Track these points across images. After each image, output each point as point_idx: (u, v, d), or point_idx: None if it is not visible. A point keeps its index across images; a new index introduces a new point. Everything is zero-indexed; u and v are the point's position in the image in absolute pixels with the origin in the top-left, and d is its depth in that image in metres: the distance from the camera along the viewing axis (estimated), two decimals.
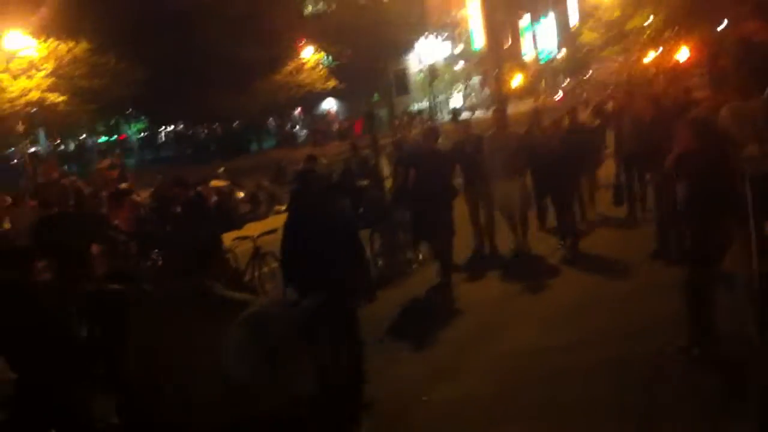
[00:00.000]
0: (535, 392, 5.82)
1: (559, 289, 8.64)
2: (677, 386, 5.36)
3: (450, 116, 37.28)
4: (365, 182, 12.66)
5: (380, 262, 10.78)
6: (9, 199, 10.50)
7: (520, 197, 10.28)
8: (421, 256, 10.94)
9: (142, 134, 50.63)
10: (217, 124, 47.59)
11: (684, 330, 5.83)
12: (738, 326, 5.64)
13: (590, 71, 57.58)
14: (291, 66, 39.62)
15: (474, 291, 9.19)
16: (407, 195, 10.55)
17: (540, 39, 64.10)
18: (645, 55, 39.83)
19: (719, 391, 5.03)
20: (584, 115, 12.90)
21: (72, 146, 48.11)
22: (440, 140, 10.41)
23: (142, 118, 43.84)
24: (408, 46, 47.33)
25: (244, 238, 10.20)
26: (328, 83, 40.88)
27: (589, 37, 44.65)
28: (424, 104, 49.39)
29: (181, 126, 50.21)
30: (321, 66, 41.79)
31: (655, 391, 5.33)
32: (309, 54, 40.51)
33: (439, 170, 9.44)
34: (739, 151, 5.49)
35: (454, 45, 57.96)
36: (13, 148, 32.66)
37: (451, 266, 9.49)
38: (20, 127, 25.70)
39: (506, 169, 10.00)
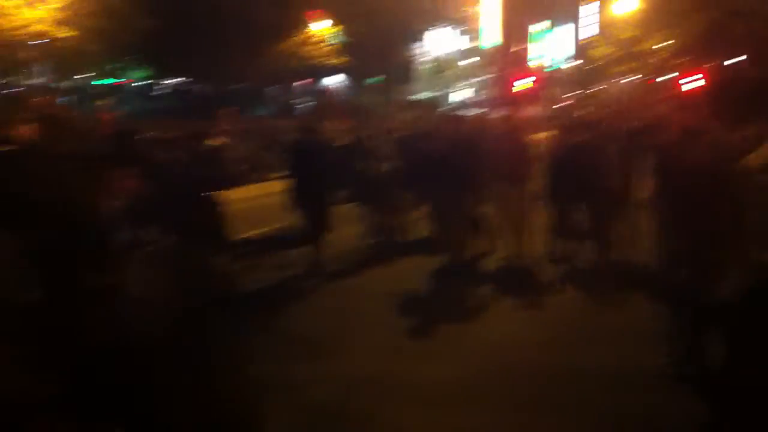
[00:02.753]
0: (516, 383, 5.84)
1: (556, 294, 8.62)
2: (658, 402, 5.38)
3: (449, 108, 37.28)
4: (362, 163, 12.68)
5: (372, 241, 10.79)
6: None
7: (521, 202, 9.94)
8: (413, 239, 10.98)
9: (141, 83, 50.17)
10: (215, 85, 47.29)
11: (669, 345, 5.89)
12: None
13: (597, 87, 57.75)
14: (301, 36, 39.41)
15: (465, 285, 9.09)
16: (407, 178, 10.59)
17: (552, 47, 64.24)
18: (654, 78, 39.93)
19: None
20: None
21: (66, 84, 47.58)
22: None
23: (144, 67, 43.31)
24: (419, 35, 47.25)
25: None
26: (331, 60, 40.76)
27: (600, 52, 44.77)
28: (427, 95, 49.32)
29: (181, 81, 49.83)
30: (325, 42, 41.67)
31: (642, 401, 5.35)
32: (315, 28, 40.34)
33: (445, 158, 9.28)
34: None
35: (464, 41, 57.92)
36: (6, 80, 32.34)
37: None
38: (21, 56, 25.45)
39: (511, 173, 9.71)
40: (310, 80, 50.38)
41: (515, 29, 54.58)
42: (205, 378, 3.07)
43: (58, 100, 29.24)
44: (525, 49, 59.85)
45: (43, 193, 5.95)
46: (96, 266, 3.28)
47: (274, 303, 8.15)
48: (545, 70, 61.29)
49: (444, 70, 48.94)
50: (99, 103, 20.65)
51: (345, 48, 40.20)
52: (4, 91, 33.21)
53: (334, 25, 39.48)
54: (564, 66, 62.14)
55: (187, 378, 2.99)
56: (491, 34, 56.13)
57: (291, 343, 6.79)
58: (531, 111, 27.17)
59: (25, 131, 10.81)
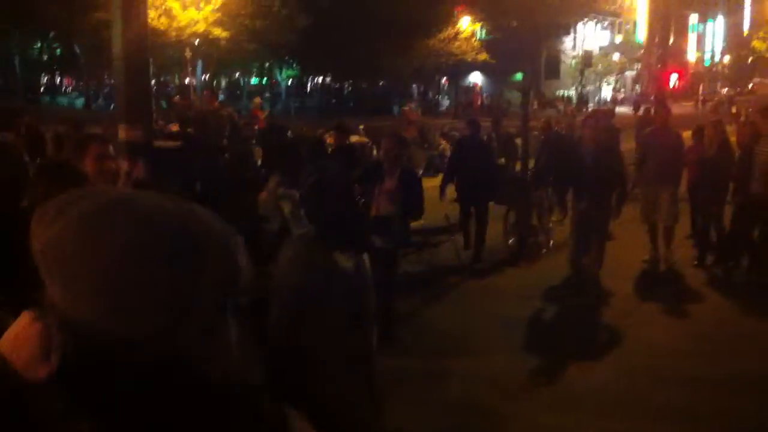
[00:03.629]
0: (662, 394, 5.75)
1: (698, 303, 8.40)
2: None
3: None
4: (502, 160, 12.69)
5: (511, 240, 10.79)
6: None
7: (669, 207, 9.53)
8: (552, 242, 10.89)
9: (291, 81, 52.03)
10: (364, 82, 48.35)
11: None
12: None
13: (752, 83, 54.64)
14: (446, 33, 39.66)
15: (606, 288, 8.96)
16: (547, 178, 10.54)
17: (707, 41, 61.40)
18: None
19: None
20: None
21: (224, 83, 50.10)
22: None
23: (294, 65, 44.99)
24: (566, 30, 46.36)
25: None
26: (479, 56, 40.75)
27: (760, 45, 42.40)
28: (572, 92, 48.37)
29: (329, 79, 51.29)
30: (475, 38, 41.69)
31: None
32: (465, 24, 40.41)
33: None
34: None
35: (613, 35, 56.28)
36: (167, 77, 34.40)
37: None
38: (188, 53, 27.01)
39: (660, 174, 9.41)
40: (454, 77, 50.61)
41: (671, 22, 52.47)
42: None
43: (220, 97, 30.93)
44: (681, 43, 57.49)
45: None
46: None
47: (416, 295, 8.38)
48: (702, 63, 58.69)
49: (593, 64, 47.81)
50: (255, 100, 21.67)
51: (491, 43, 40.12)
52: (169, 88, 35.36)
53: (482, 20, 39.47)
54: (722, 59, 59.31)
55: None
56: (645, 27, 54.24)
57: (431, 336, 7.01)
58: (685, 107, 26.14)
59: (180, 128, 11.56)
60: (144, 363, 0.98)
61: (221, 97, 36.18)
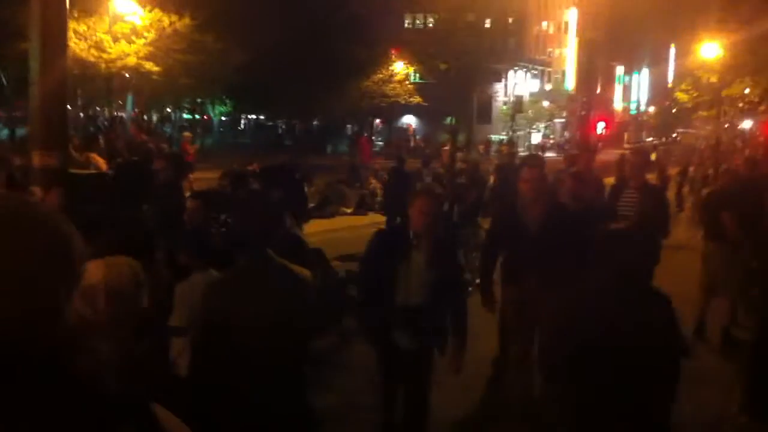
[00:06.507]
0: None
1: None
2: None
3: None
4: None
5: None
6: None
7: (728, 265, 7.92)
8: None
9: (224, 118, 51.72)
10: (296, 120, 48.36)
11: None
12: None
13: (675, 133, 56.70)
14: (381, 75, 40.10)
15: None
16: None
17: (632, 91, 63.58)
18: (737, 125, 39.00)
19: None
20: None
21: (155, 117, 49.45)
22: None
23: (227, 101, 44.76)
24: (497, 76, 47.41)
25: None
26: (412, 99, 41.31)
27: (683, 97, 44.06)
28: (502, 136, 49.24)
29: (262, 117, 51.19)
30: (408, 81, 42.28)
31: None
32: (400, 67, 40.96)
33: None
34: None
35: (543, 83, 57.78)
36: (98, 109, 33.76)
37: None
38: (113, 85, 26.59)
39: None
40: (384, 118, 51.11)
41: (598, 72, 54.18)
42: None
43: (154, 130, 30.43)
44: (608, 93, 59.35)
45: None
46: None
47: None
48: (628, 113, 60.64)
49: (524, 110, 48.92)
50: (185, 134, 21.40)
51: (425, 87, 40.69)
52: (99, 119, 34.70)
53: (416, 63, 40.08)
54: (647, 110, 61.43)
55: None
56: (574, 76, 55.86)
57: None
58: (612, 155, 26.82)
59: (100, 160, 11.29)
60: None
61: (169, 130, 35.65)
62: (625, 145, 50.94)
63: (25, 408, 1.02)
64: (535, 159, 7.49)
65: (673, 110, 50.88)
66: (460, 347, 4.69)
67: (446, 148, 19.17)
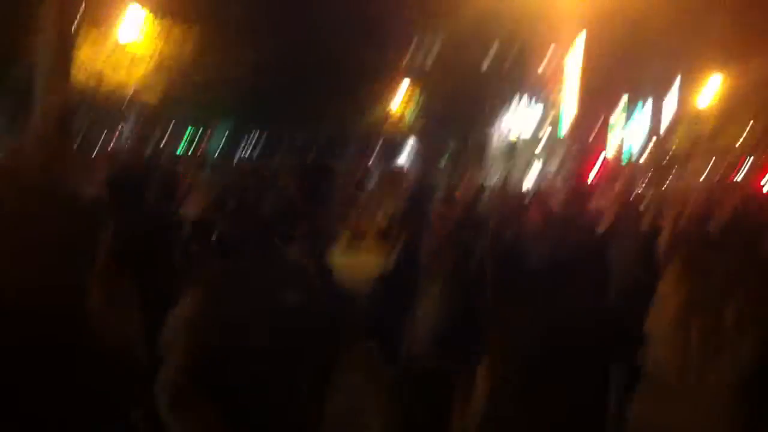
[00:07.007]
0: None
1: None
2: None
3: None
4: None
5: None
6: None
7: None
8: None
9: (220, 146, 51.77)
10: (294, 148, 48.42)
11: None
12: None
13: (666, 182, 56.98)
14: (378, 110, 40.31)
15: None
16: None
17: (626, 138, 64.13)
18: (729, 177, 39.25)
19: None
20: None
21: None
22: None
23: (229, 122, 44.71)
24: (495, 117, 47.76)
25: None
26: (412, 133, 41.55)
27: (677, 145, 44.48)
28: (496, 177, 49.54)
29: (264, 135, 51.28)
30: (405, 116, 42.51)
31: None
32: (397, 103, 41.22)
33: None
34: None
35: (540, 125, 58.13)
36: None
37: None
38: (113, 116, 26.68)
39: None
40: (374, 152, 51.32)
41: (594, 118, 54.60)
42: None
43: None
44: (602, 139, 59.82)
45: None
46: None
47: None
48: (621, 161, 61.11)
49: (518, 153, 49.18)
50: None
51: (421, 123, 40.94)
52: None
53: (413, 98, 40.37)
54: (639, 158, 61.93)
55: None
56: (569, 120, 56.33)
57: None
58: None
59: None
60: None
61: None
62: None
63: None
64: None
65: (664, 161, 51.16)
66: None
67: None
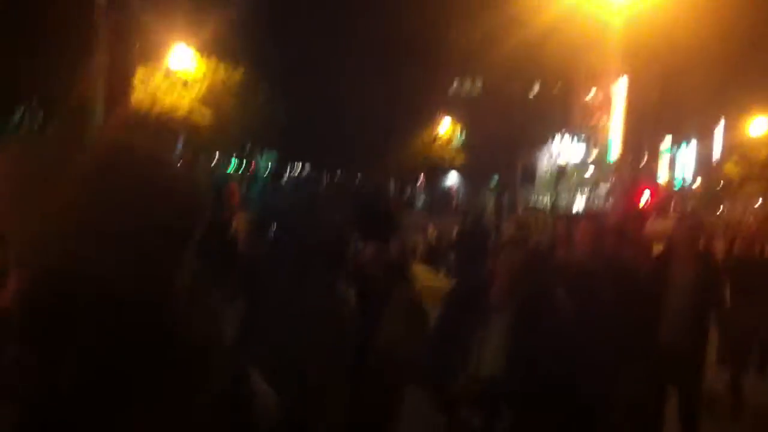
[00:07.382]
0: None
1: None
2: None
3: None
4: None
5: None
6: None
7: None
8: None
9: (269, 168, 52.54)
10: (340, 172, 48.88)
11: None
12: None
13: (721, 207, 55.69)
14: (425, 137, 40.39)
15: None
16: None
17: (678, 164, 63.03)
18: None
19: None
20: None
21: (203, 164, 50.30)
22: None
23: (274, 152, 45.41)
24: (543, 141, 47.49)
25: None
26: (456, 159, 41.46)
27: (731, 170, 43.54)
28: (546, 199, 49.14)
29: (307, 167, 51.93)
30: (453, 142, 42.50)
31: None
32: (444, 129, 41.25)
33: None
34: None
35: (589, 150, 57.57)
36: None
37: None
38: (167, 137, 27.16)
39: None
40: (431, 176, 51.33)
41: (644, 144, 53.93)
42: None
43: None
44: (652, 165, 58.94)
45: None
46: None
47: None
48: (674, 188, 60.07)
49: (563, 178, 48.78)
50: (232, 185, 21.68)
51: (468, 149, 40.85)
52: None
53: (460, 126, 40.39)
54: (692, 184, 60.82)
55: None
56: (619, 146, 55.67)
57: None
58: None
59: None
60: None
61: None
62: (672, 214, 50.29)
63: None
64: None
65: (719, 187, 50.13)
66: None
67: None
